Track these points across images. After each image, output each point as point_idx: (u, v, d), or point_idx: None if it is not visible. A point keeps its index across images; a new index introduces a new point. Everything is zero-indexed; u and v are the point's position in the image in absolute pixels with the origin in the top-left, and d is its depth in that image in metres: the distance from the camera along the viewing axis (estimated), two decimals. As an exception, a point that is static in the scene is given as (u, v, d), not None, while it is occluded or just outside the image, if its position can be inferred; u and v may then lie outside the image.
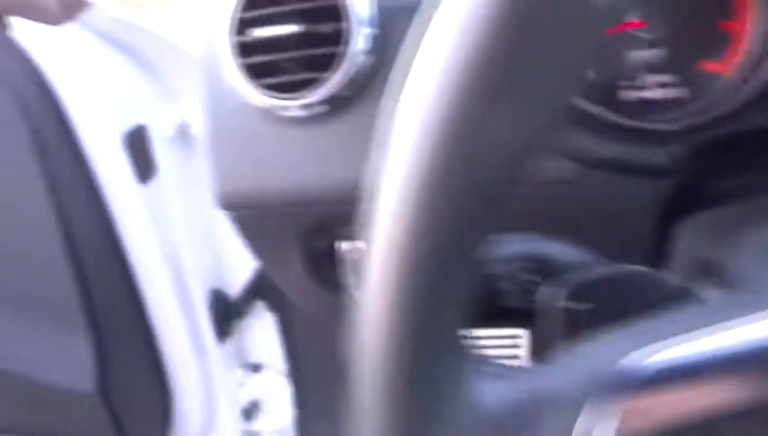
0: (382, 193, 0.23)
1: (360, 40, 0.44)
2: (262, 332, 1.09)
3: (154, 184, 0.86)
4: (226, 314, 1.04)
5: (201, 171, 0.97)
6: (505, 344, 1.14)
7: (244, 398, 1.08)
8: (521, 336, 1.11)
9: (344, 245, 0.48)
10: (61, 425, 0.80)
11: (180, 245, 0.92)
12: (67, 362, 0.77)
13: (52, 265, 0.75)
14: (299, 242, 0.48)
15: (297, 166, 0.46)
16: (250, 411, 1.11)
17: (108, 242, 0.83)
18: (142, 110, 0.83)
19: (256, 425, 1.11)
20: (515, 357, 1.14)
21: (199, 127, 0.99)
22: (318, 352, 0.95)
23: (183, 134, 0.91)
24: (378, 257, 0.23)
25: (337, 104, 0.45)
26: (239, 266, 1.04)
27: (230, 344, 1.07)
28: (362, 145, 0.49)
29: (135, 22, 0.77)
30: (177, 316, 0.94)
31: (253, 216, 0.48)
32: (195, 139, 0.93)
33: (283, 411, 1.14)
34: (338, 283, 0.51)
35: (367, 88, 0.44)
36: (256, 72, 0.47)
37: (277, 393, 1.11)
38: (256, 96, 0.46)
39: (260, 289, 1.03)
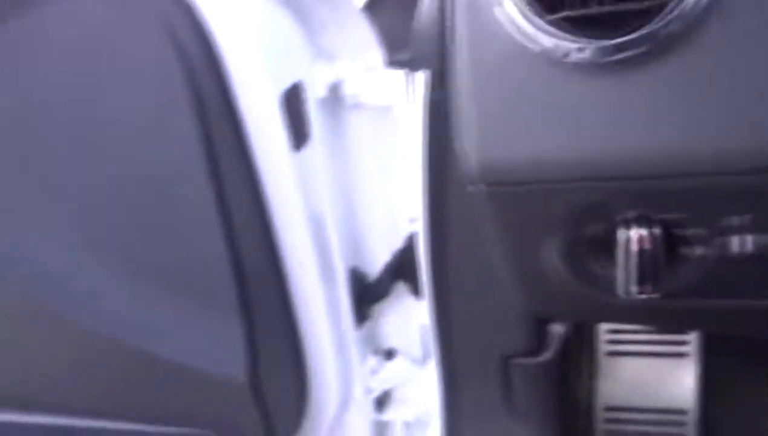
0: None
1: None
2: (399, 316, 1.00)
3: (307, 152, 0.78)
4: (365, 296, 0.96)
5: (350, 137, 0.88)
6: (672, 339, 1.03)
7: (378, 386, 1.00)
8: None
9: (632, 233, 0.37)
10: (207, 413, 0.73)
11: (326, 222, 0.84)
12: (220, 348, 0.70)
13: (207, 242, 0.67)
14: (567, 226, 0.38)
15: (590, 127, 0.35)
16: (382, 400, 1.03)
17: (259, 218, 0.75)
18: (297, 67, 0.74)
19: (388, 415, 1.03)
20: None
21: (352, 87, 0.90)
22: (473, 344, 0.86)
23: (335, 96, 0.82)
24: None
25: (659, 44, 0.34)
26: (380, 244, 0.95)
27: (365, 328, 1.00)
28: (688, 99, 0.38)
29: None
30: (319, 298, 0.86)
31: (518, 192, 0.38)
32: (347, 101, 0.84)
33: (417, 402, 1.05)
34: (604, 279, 0.40)
35: (701, 23, 0.33)
36: (542, 4, 0.36)
37: (411, 382, 1.03)
38: (539, 36, 0.36)
39: (402, 270, 0.94)
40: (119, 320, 0.69)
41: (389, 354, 1.02)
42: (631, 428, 0.99)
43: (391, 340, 1.02)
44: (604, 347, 1.03)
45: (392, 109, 0.85)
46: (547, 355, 0.75)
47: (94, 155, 0.65)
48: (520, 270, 0.45)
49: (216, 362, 0.70)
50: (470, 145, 0.38)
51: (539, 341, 0.75)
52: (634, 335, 1.00)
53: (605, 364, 1.02)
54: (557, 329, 0.76)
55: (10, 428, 0.72)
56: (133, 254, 0.68)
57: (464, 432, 0.85)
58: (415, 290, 0.95)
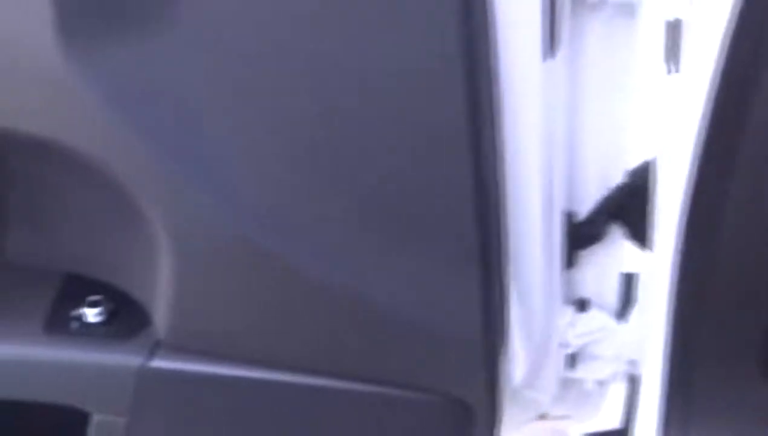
0: None
1: None
2: (597, 262, 0.87)
3: (555, 62, 0.63)
4: (575, 238, 0.83)
5: (583, 46, 0.73)
6: None
7: (574, 341, 0.88)
8: None
9: None
10: (430, 374, 0.62)
11: (556, 150, 0.70)
12: (451, 302, 0.58)
13: (448, 176, 0.54)
14: None
15: None
16: (575, 356, 0.91)
17: (494, 143, 0.61)
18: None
19: (579, 372, 0.92)
20: None
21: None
22: (726, 303, 0.73)
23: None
24: None
25: None
26: (594, 177, 0.81)
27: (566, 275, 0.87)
28: None
29: None
30: (537, 239, 0.74)
31: None
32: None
33: (612, 359, 0.94)
34: None
35: None
36: None
37: (605, 337, 0.91)
38: None
39: (621, 210, 0.80)
40: (343, 269, 0.57)
41: (581, 305, 0.90)
42: None
43: (584, 288, 0.90)
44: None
45: (644, 13, 0.70)
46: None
47: (330, 74, 0.52)
48: None
49: (446, 318, 0.59)
50: None
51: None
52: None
53: None
54: None
55: (221, 382, 0.63)
56: (362, 193, 0.56)
57: (699, 402, 0.73)
58: (635, 234, 0.81)
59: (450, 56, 0.51)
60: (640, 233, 0.80)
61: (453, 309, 0.60)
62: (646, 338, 0.85)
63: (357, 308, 0.59)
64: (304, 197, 0.59)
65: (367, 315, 0.60)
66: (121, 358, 0.66)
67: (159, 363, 0.66)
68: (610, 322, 0.88)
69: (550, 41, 0.59)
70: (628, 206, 0.79)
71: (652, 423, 0.83)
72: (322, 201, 0.58)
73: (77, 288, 0.72)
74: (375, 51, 0.53)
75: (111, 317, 0.70)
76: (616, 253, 0.86)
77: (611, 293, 0.88)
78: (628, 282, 0.87)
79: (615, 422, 0.97)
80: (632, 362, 0.89)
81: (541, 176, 0.68)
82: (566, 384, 0.93)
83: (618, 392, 0.95)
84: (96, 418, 0.69)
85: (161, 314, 0.66)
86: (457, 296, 0.60)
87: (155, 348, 0.67)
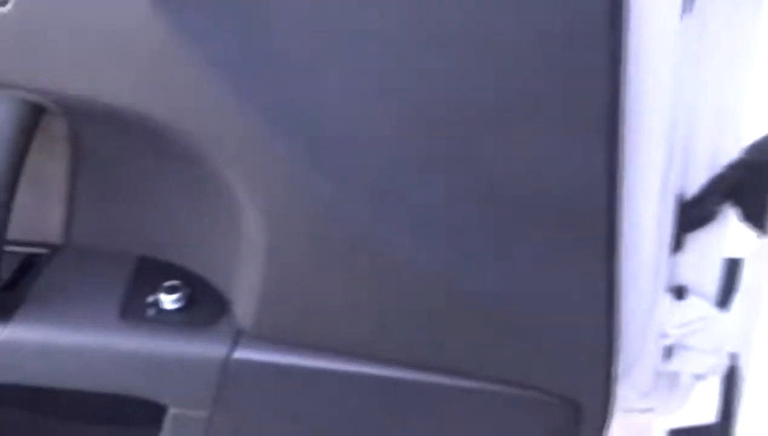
0: None
1: None
2: (703, 246, 0.80)
3: (691, 20, 0.56)
4: (682, 220, 0.76)
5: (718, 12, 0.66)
6: None
7: (674, 333, 0.82)
8: None
9: None
10: (549, 375, 0.56)
11: (679, 123, 0.63)
12: (580, 298, 0.52)
13: (589, 153, 0.48)
14: None
15: None
16: (671, 348, 0.85)
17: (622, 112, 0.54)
18: None
19: (674, 365, 0.85)
20: None
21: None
22: None
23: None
24: None
25: None
26: (705, 153, 0.74)
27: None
28: None
29: None
30: (649, 223, 0.67)
31: None
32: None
33: (711, 351, 0.87)
34: None
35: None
36: None
37: (705, 328, 0.84)
38: None
39: (733, 188, 0.73)
40: (458, 262, 0.51)
41: (679, 292, 0.83)
42: None
43: (680, 274, 0.83)
44: None
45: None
46: None
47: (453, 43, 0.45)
48: None
49: (570, 315, 0.52)
50: None
51: None
52: None
53: None
54: None
55: (313, 374, 0.58)
56: (482, 179, 0.49)
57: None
58: (750, 216, 0.74)
59: (593, 22, 0.44)
60: (756, 214, 0.73)
61: (578, 306, 0.54)
62: (751, 327, 0.78)
63: (471, 303, 0.53)
64: (417, 179, 0.52)
65: (482, 311, 0.54)
66: (204, 348, 0.60)
67: (243, 354, 0.61)
68: (712, 311, 0.82)
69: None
70: (744, 185, 0.73)
71: (760, 418, 0.77)
72: (435, 184, 0.51)
73: (150, 273, 0.67)
74: (507, 19, 0.46)
75: (189, 304, 0.65)
76: (720, 236, 0.79)
77: (710, 280, 0.81)
78: (732, 268, 0.81)
79: (703, 417, 0.91)
80: (733, 355, 0.83)
81: (662, 151, 0.61)
82: (658, 377, 0.88)
83: (709, 385, 0.89)
84: (172, 411, 0.65)
85: (244, 302, 0.60)
86: (584, 291, 0.53)
87: (238, 337, 0.62)
